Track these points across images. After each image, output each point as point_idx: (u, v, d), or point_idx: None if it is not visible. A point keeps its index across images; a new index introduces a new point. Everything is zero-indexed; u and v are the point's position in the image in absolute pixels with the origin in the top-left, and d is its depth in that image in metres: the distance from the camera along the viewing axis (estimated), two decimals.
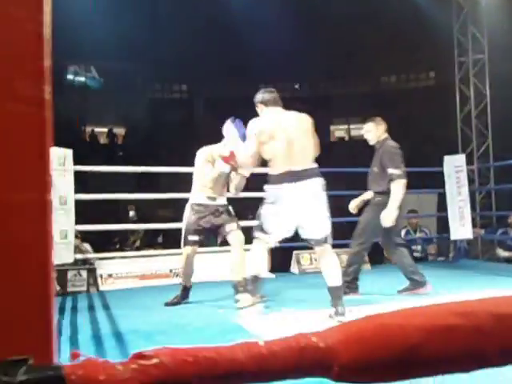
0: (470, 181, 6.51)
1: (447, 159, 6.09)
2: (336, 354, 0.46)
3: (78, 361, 0.45)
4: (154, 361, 0.43)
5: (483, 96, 6.94)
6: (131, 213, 7.71)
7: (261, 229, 3.03)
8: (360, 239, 3.87)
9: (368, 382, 0.48)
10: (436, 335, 0.47)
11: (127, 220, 8.14)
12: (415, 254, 6.73)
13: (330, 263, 2.98)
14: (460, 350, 0.47)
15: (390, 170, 3.73)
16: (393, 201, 3.69)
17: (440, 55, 11.70)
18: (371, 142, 4.00)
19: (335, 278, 2.95)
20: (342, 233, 4.89)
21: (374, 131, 3.97)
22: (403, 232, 6.63)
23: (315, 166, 2.98)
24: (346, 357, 0.46)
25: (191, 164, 5.82)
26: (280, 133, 2.98)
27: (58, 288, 4.46)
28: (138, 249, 7.11)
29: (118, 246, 7.77)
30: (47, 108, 0.51)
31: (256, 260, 3.07)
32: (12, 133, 0.49)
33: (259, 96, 3.22)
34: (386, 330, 0.48)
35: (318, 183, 2.93)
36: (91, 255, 5.05)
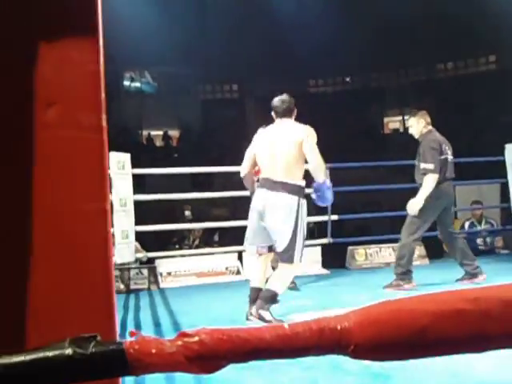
0: None
1: (509, 147, 5.81)
2: (352, 334, 0.53)
3: (135, 338, 0.57)
4: (196, 338, 0.53)
5: None
6: (187, 212, 7.95)
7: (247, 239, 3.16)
8: (407, 231, 3.96)
9: (381, 359, 0.54)
10: (444, 319, 0.51)
11: (183, 220, 8.39)
12: (480, 247, 6.46)
13: (276, 273, 3.04)
14: (467, 333, 0.51)
15: (422, 165, 3.87)
16: (421, 192, 3.84)
17: (501, 38, 11.12)
18: (415, 137, 4.08)
19: (273, 284, 2.99)
20: (400, 226, 4.81)
21: (415, 126, 4.03)
22: (467, 224, 6.41)
23: (295, 182, 2.97)
24: (362, 337, 0.53)
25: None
26: (267, 148, 3.08)
27: (121, 286, 4.70)
28: (197, 247, 7.33)
29: (177, 246, 8.03)
30: (104, 133, 0.62)
31: (253, 272, 3.18)
32: (78, 154, 0.61)
33: (272, 103, 3.22)
34: (398, 314, 0.53)
35: (290, 200, 2.92)
36: (141, 254, 5.26)
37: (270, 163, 3.02)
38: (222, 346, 0.52)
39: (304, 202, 2.99)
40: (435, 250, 6.27)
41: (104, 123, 0.63)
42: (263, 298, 2.95)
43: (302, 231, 2.97)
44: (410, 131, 4.12)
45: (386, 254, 5.69)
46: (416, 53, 16.29)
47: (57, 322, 0.57)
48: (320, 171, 3.04)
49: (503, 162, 5.90)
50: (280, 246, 2.95)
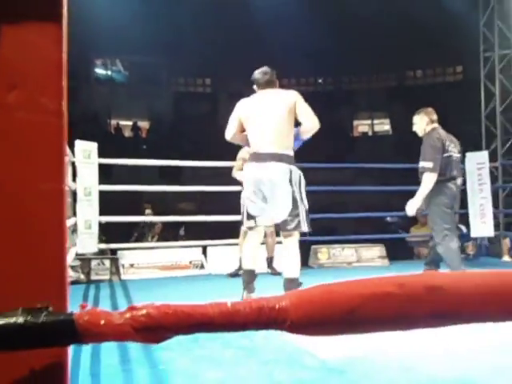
0: (494, 178, 6.43)
1: (469, 156, 6.03)
2: (289, 312, 0.59)
3: (86, 310, 0.60)
4: (143, 311, 0.58)
5: (509, 92, 6.83)
6: (147, 211, 7.91)
7: (246, 217, 3.02)
8: (438, 237, 3.81)
9: (314, 334, 0.63)
10: (373, 300, 0.57)
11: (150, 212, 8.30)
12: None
13: (289, 253, 2.95)
14: (392, 314, 0.57)
15: (421, 163, 3.79)
16: (419, 192, 3.78)
17: (467, 50, 11.49)
18: (419, 135, 3.97)
19: (291, 269, 2.93)
20: (364, 227, 4.95)
21: (418, 124, 3.96)
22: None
23: (285, 152, 2.92)
24: (297, 314, 0.59)
25: (214, 158, 5.94)
26: (255, 117, 3.02)
27: (82, 276, 4.63)
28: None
29: (135, 241, 7.95)
30: (64, 118, 0.67)
31: (250, 253, 3.12)
32: (37, 136, 0.66)
33: (253, 76, 3.26)
34: (331, 295, 0.60)
35: (281, 168, 2.89)
36: (105, 246, 5.20)
37: (260, 135, 2.96)
38: (168, 319, 0.57)
39: (299, 171, 2.96)
40: (396, 252, 6.46)
41: (64, 109, 0.67)
42: (288, 288, 2.85)
43: (303, 199, 2.92)
44: (414, 129, 4.00)
45: (348, 253, 5.81)
46: (387, 59, 16.66)
47: (10, 295, 0.61)
48: (311, 133, 3.04)
49: (463, 170, 6.12)
50: (283, 215, 2.87)
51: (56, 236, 0.65)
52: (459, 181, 3.91)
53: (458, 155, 3.90)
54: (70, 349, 0.66)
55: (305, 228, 2.91)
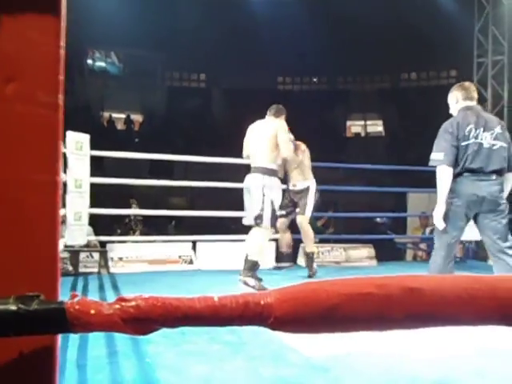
0: None
1: None
2: (273, 308, 0.61)
3: (76, 300, 0.62)
4: (132, 303, 0.60)
5: (500, 98, 6.90)
6: (133, 206, 7.91)
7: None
8: (434, 251, 3.23)
9: (296, 332, 0.64)
10: (353, 300, 0.59)
11: (142, 207, 8.28)
12: (420, 254, 6.76)
13: (250, 238, 3.78)
14: (371, 313, 0.59)
15: (431, 156, 3.07)
16: (438, 195, 3.03)
17: (461, 54, 11.59)
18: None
19: (249, 251, 3.73)
20: (354, 227, 4.98)
21: (450, 104, 3.22)
22: (428, 230, 6.62)
23: (265, 165, 3.79)
24: (280, 311, 0.61)
25: (206, 153, 5.95)
26: (251, 138, 3.99)
27: (70, 268, 4.62)
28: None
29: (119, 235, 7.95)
30: (60, 111, 0.69)
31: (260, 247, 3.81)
32: (34, 128, 0.67)
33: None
34: (314, 293, 0.61)
35: (258, 178, 3.76)
36: (93, 238, 5.19)
37: (253, 153, 3.91)
38: (156, 311, 0.59)
39: (271, 178, 3.76)
40: (385, 253, 6.52)
41: (61, 102, 0.68)
42: (245, 267, 3.66)
43: (269, 201, 3.70)
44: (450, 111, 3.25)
45: (337, 253, 5.84)
46: (382, 60, 16.72)
47: (2, 284, 0.62)
48: (286, 158, 4.13)
49: None
50: (253, 213, 3.72)
51: (49, 227, 0.66)
52: (492, 177, 2.95)
53: (496, 142, 2.99)
54: (60, 338, 0.67)
55: (265, 225, 3.71)
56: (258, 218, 3.71)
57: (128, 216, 7.63)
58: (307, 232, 4.68)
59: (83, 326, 0.58)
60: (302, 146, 4.85)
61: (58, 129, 0.68)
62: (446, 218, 2.99)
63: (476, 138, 2.98)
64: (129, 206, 7.72)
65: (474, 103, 3.12)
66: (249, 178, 3.87)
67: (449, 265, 3.03)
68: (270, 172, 3.80)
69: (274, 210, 3.76)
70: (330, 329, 0.64)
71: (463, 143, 2.97)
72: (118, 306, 0.59)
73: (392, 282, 0.61)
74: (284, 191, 4.54)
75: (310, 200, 4.69)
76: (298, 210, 4.69)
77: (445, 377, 1.89)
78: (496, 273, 2.95)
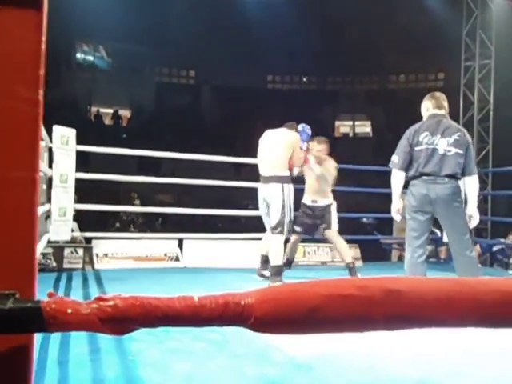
0: None
1: None
2: (253, 309, 0.60)
3: (53, 299, 0.61)
4: (110, 302, 0.59)
5: (487, 102, 6.98)
6: (135, 201, 7.91)
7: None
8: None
9: (277, 333, 0.63)
10: (334, 301, 0.59)
11: (128, 203, 8.24)
12: (404, 254, 6.80)
13: (271, 246, 3.92)
14: (352, 315, 0.59)
15: (391, 157, 3.34)
16: (392, 193, 3.37)
17: (449, 57, 11.70)
18: None
19: (273, 258, 3.87)
20: (340, 228, 4.99)
21: (423, 112, 3.41)
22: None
23: (279, 173, 3.88)
24: (261, 312, 0.60)
25: (194, 151, 5.93)
26: (262, 147, 4.08)
27: (54, 264, 4.57)
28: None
29: (116, 231, 7.90)
30: (40, 107, 0.67)
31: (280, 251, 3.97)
32: (12, 124, 0.66)
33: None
34: (295, 294, 0.61)
35: (277, 187, 3.86)
36: (78, 234, 5.14)
37: (268, 160, 3.97)
38: (134, 310, 0.58)
39: (287, 185, 3.85)
40: (370, 253, 6.56)
41: (41, 98, 0.67)
42: (272, 273, 3.85)
43: (289, 209, 3.85)
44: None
45: (323, 253, 5.87)
46: (371, 62, 16.82)
47: None
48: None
49: None
50: (273, 222, 3.85)
51: (26, 225, 0.65)
52: (445, 180, 3.14)
53: (451, 149, 3.16)
54: (37, 337, 0.66)
55: (285, 231, 3.87)
56: (279, 226, 3.83)
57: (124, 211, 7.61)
58: (340, 244, 4.46)
59: (60, 325, 0.57)
60: (328, 160, 4.59)
61: (37, 125, 0.67)
62: (406, 215, 3.27)
63: (431, 144, 3.17)
64: (126, 201, 7.69)
65: (442, 112, 3.31)
66: (266, 187, 3.92)
67: (418, 260, 3.20)
68: (288, 179, 3.90)
69: (291, 218, 3.90)
70: (310, 330, 0.64)
71: (416, 148, 3.20)
72: (95, 306, 0.58)
73: (372, 284, 0.62)
74: (302, 207, 4.49)
75: (334, 214, 4.51)
76: (323, 225, 4.44)
77: (427, 376, 1.92)
78: (457, 270, 3.21)
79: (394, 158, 3.29)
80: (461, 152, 3.18)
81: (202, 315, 0.58)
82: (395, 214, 3.38)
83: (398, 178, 3.29)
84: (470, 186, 3.28)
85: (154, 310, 0.58)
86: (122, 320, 0.58)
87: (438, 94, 3.42)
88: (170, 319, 0.59)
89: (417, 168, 3.19)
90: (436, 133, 3.19)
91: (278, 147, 3.93)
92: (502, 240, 6.29)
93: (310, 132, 4.41)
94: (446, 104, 3.36)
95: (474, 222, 3.29)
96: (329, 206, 4.48)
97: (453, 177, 3.16)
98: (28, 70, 0.65)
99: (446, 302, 0.59)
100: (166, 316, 0.58)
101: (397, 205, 3.33)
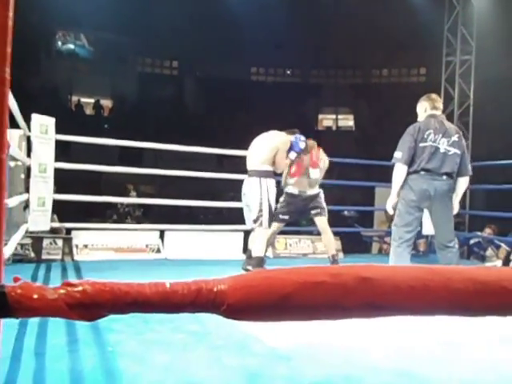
0: None
1: None
2: (226, 295, 0.60)
3: (19, 283, 0.59)
4: (79, 288, 0.58)
5: (467, 97, 7.08)
6: (132, 193, 7.90)
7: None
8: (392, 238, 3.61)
9: (249, 319, 0.62)
10: (307, 288, 0.59)
11: (109, 194, 8.15)
12: (385, 247, 6.90)
13: (254, 239, 4.04)
14: (325, 302, 0.60)
15: (394, 154, 3.44)
16: (392, 187, 3.46)
17: (431, 53, 11.81)
18: None
19: (254, 249, 3.97)
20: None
21: (418, 112, 3.54)
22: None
23: (259, 168, 3.94)
24: (233, 298, 0.60)
25: (176, 142, 5.87)
26: (253, 144, 4.14)
27: (32, 255, 4.50)
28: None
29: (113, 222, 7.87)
30: (7, 85, 0.66)
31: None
32: None
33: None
34: (268, 281, 0.60)
35: (255, 181, 3.92)
36: (57, 224, 5.07)
37: (249, 155, 4.08)
38: (103, 296, 0.56)
39: (265, 180, 3.89)
40: (352, 246, 6.63)
41: (7, 76, 0.66)
42: (254, 264, 3.90)
43: (267, 204, 3.88)
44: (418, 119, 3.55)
45: (304, 245, 5.90)
46: (355, 56, 16.88)
47: None
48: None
49: None
50: (253, 215, 3.93)
51: None
52: (444, 177, 3.33)
53: (451, 149, 3.34)
54: (3, 323, 0.64)
55: (265, 225, 3.93)
56: (258, 220, 3.89)
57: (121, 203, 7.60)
58: (330, 235, 4.52)
59: (25, 310, 0.55)
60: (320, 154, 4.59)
61: (4, 103, 0.65)
62: (401, 208, 3.40)
63: (434, 141, 3.34)
64: (108, 188, 7.63)
65: (438, 112, 3.48)
66: (246, 181, 4.03)
67: (408, 253, 3.39)
68: (267, 174, 3.94)
69: (271, 212, 3.93)
70: (283, 317, 0.63)
71: (421, 144, 3.34)
72: (63, 291, 0.57)
73: (346, 272, 0.61)
74: (289, 197, 4.45)
75: (324, 202, 4.51)
76: (316, 210, 4.43)
77: (405, 367, 1.94)
78: (441, 261, 3.38)
79: (397, 154, 3.38)
80: (459, 153, 3.38)
81: (173, 301, 0.57)
82: (390, 208, 3.48)
83: (401, 173, 3.38)
84: (462, 184, 3.52)
85: (123, 296, 0.56)
86: (90, 306, 0.56)
87: (433, 95, 3.57)
88: (140, 305, 0.57)
89: (419, 163, 3.33)
90: (438, 132, 3.35)
91: (264, 144, 4.02)
92: (479, 233, 6.41)
93: (302, 145, 4.21)
94: (441, 105, 3.55)
95: (454, 212, 3.54)
96: (318, 193, 4.52)
97: (450, 175, 3.37)
98: None
99: (418, 290, 0.60)
100: (135, 302, 0.57)
101: (395, 199, 3.45)
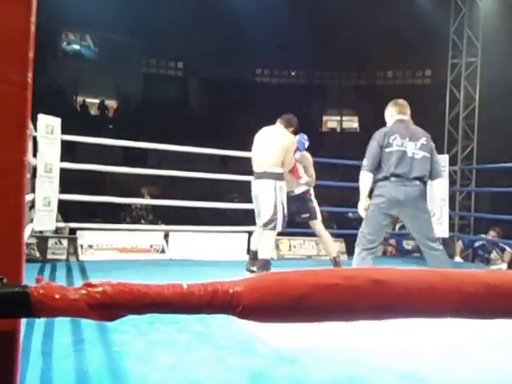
0: (452, 181, 6.66)
1: None
2: (242, 297, 0.61)
3: (41, 284, 0.60)
4: (99, 289, 0.58)
5: (472, 99, 7.06)
6: (146, 196, 7.99)
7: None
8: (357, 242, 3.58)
9: (264, 321, 0.63)
10: (320, 290, 0.59)
11: (114, 194, 8.19)
12: (390, 249, 6.89)
13: (263, 241, 3.94)
14: (338, 304, 0.60)
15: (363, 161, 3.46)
16: (360, 193, 3.44)
17: (437, 54, 11.79)
18: None
19: (262, 251, 3.91)
20: (326, 222, 5.02)
21: (387, 118, 3.54)
22: (398, 226, 6.78)
23: (271, 170, 3.87)
24: (249, 300, 0.61)
25: (181, 143, 5.89)
26: (257, 143, 4.05)
27: (37, 254, 4.52)
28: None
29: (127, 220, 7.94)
30: (28, 89, 0.66)
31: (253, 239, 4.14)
32: (1, 106, 0.65)
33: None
34: (283, 283, 0.61)
35: (269, 184, 3.86)
36: (63, 224, 5.09)
37: (261, 157, 3.96)
38: (123, 296, 0.58)
39: (279, 182, 3.86)
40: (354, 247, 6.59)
41: (30, 80, 0.66)
42: (259, 266, 3.85)
43: (281, 206, 3.84)
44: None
45: (309, 246, 5.90)
46: (360, 58, 16.86)
47: None
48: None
49: None
50: (264, 218, 3.87)
51: (14, 208, 0.64)
52: (416, 182, 3.28)
53: (419, 152, 3.31)
54: (23, 323, 0.65)
55: (278, 228, 3.89)
56: (271, 223, 3.84)
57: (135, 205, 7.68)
58: (326, 237, 4.48)
59: (47, 310, 0.56)
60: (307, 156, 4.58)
61: (26, 107, 0.65)
62: (369, 214, 3.35)
63: (401, 145, 3.30)
64: (112, 189, 7.67)
65: (406, 117, 3.47)
66: (258, 183, 3.94)
67: (367, 257, 3.32)
68: (280, 176, 3.90)
69: (285, 215, 3.91)
70: (297, 318, 0.64)
71: (387, 150, 3.31)
72: (84, 292, 0.58)
73: (359, 274, 0.62)
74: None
75: (315, 202, 4.48)
76: (305, 215, 4.44)
77: (409, 369, 1.94)
78: (429, 264, 3.36)
79: (364, 161, 3.40)
80: (428, 156, 3.35)
81: (190, 302, 0.58)
82: (362, 211, 3.42)
83: (365, 180, 3.37)
84: (436, 188, 3.54)
85: (142, 297, 0.57)
86: (110, 306, 0.57)
87: (400, 101, 3.59)
88: (159, 306, 0.59)
89: (388, 169, 3.29)
90: (405, 136, 3.33)
91: (273, 146, 3.92)
92: (484, 236, 6.39)
93: (306, 143, 4.36)
94: (408, 111, 3.52)
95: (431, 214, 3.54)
96: (305, 192, 4.45)
97: (421, 179, 3.32)
98: (17, 51, 0.64)
99: (430, 293, 0.60)
100: (154, 303, 0.58)
101: (364, 203, 3.40)
